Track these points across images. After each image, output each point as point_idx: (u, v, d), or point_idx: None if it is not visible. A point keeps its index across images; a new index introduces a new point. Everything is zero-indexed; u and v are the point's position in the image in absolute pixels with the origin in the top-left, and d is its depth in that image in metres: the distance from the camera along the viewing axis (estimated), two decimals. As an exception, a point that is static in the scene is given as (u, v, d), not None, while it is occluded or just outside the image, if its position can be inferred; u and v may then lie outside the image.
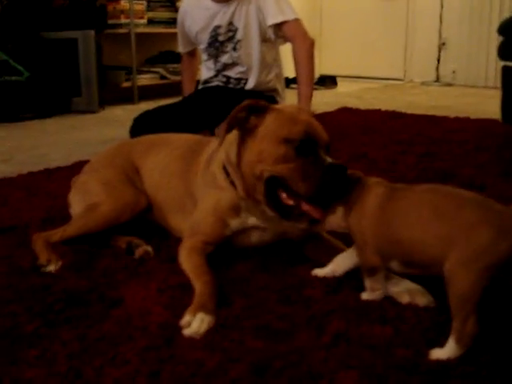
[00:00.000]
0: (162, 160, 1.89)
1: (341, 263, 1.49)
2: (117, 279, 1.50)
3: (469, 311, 1.12)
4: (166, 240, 1.78)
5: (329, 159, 1.45)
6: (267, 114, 1.52)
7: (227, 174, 1.61)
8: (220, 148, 1.64)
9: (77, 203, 1.87)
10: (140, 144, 2.04)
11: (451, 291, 1.14)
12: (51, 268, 1.57)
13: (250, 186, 1.54)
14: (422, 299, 1.35)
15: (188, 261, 1.53)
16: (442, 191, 1.28)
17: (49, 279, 1.51)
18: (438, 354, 1.14)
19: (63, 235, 1.74)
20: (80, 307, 1.36)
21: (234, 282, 1.49)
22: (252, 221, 1.61)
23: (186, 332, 1.24)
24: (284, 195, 1.48)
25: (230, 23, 3.24)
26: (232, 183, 1.59)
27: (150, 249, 1.69)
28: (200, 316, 1.27)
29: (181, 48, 3.59)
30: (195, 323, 1.26)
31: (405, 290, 1.37)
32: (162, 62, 5.67)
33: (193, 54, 3.62)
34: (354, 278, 1.47)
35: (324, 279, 1.47)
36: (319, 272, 1.50)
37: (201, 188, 1.70)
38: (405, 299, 1.35)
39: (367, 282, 1.37)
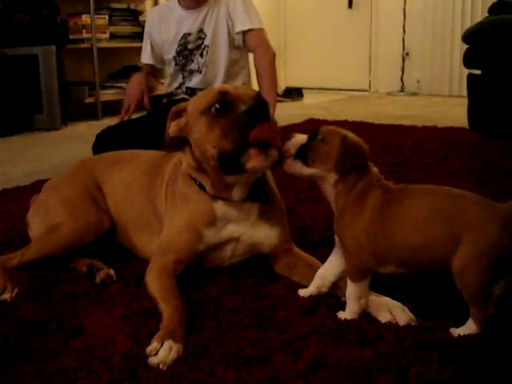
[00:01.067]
0: (126, 177, 1.81)
1: (326, 276, 1.41)
2: (77, 306, 1.40)
3: (486, 298, 1.20)
4: (130, 262, 1.69)
5: (243, 107, 1.37)
6: (187, 106, 1.52)
7: (194, 180, 1.54)
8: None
9: (36, 224, 1.77)
10: (103, 161, 1.94)
11: (465, 286, 1.20)
12: (6, 296, 1.47)
13: (211, 174, 1.48)
14: (403, 317, 1.28)
15: (156, 282, 1.43)
16: (440, 192, 1.28)
17: (4, 308, 1.41)
18: (458, 331, 1.22)
19: (22, 259, 1.63)
20: (37, 338, 1.26)
21: (203, 304, 1.40)
22: (227, 230, 1.53)
23: (153, 361, 1.15)
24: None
25: (200, 30, 3.18)
26: (201, 187, 1.52)
27: (112, 272, 1.59)
28: (168, 344, 1.18)
29: (145, 58, 3.39)
30: (163, 351, 1.17)
31: (384, 308, 1.30)
32: (126, 76, 5.53)
33: (153, 72, 3.48)
34: (330, 297, 1.40)
35: (298, 299, 1.39)
36: (304, 292, 1.42)
37: (168, 203, 1.61)
38: (384, 317, 1.28)
39: (354, 289, 1.30)
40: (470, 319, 1.21)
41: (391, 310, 1.29)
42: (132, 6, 5.72)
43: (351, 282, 1.30)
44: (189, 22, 3.16)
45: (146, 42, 3.37)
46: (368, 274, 1.30)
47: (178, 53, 3.22)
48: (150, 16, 3.39)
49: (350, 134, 1.35)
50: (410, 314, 1.29)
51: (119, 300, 1.42)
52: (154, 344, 1.18)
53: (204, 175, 1.51)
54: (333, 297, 1.40)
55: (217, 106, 1.40)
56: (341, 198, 1.32)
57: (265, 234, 1.56)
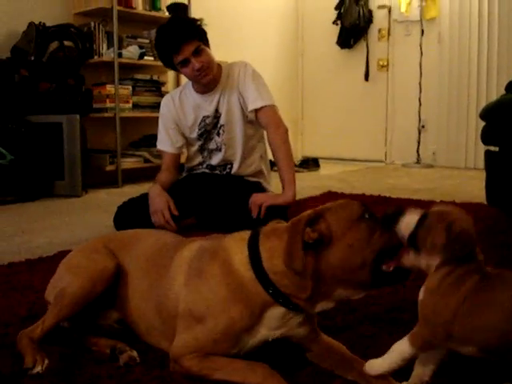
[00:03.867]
0: (130, 264, 1.72)
1: (427, 362, 1.35)
2: (103, 389, 1.40)
3: None
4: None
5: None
6: (325, 216, 1.39)
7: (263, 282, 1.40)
8: (240, 255, 1.44)
9: (51, 297, 1.75)
10: (117, 240, 1.85)
11: None
12: (38, 369, 1.45)
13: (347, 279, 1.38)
14: None
15: (211, 362, 1.38)
16: None
17: (30, 388, 1.41)
18: None
19: (44, 328, 1.60)
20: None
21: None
22: (263, 335, 1.43)
23: None
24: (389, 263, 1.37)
25: (216, 110, 3.26)
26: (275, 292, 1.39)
27: (135, 354, 1.56)
28: None
29: (166, 146, 3.38)
30: None
31: None
32: (146, 145, 5.67)
33: (178, 156, 3.46)
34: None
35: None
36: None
37: (196, 299, 1.45)
38: None
39: (407, 350, 1.28)
40: None
41: None
42: (154, 77, 5.88)
43: (410, 344, 1.29)
44: (205, 105, 3.25)
45: (165, 129, 3.36)
46: (427, 348, 1.29)
47: (200, 136, 3.30)
48: (167, 103, 3.38)
49: (458, 221, 1.29)
50: None
51: (145, 384, 1.41)
52: None
53: (309, 285, 1.38)
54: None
55: (368, 213, 1.39)
56: (437, 276, 1.29)
57: (296, 332, 1.48)
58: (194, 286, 1.47)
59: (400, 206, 1.39)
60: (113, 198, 4.13)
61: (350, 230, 1.37)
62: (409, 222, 1.32)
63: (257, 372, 1.32)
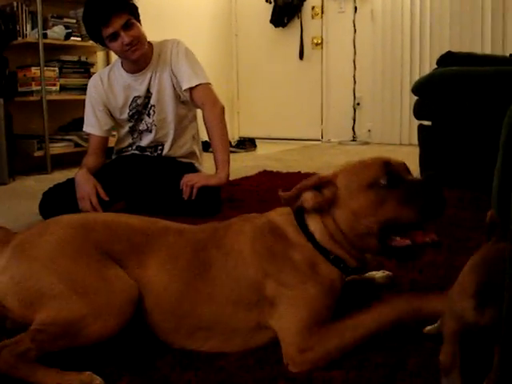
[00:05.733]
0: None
1: None
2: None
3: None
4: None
5: (416, 178, 1.41)
6: (336, 178, 1.43)
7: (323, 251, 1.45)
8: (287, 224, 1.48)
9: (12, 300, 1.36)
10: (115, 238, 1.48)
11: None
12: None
13: (356, 245, 1.44)
14: None
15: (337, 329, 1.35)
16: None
17: None
18: None
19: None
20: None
21: (153, 380, 1.31)
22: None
23: None
24: (398, 238, 1.38)
25: (148, 90, 3.14)
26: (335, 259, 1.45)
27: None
28: None
29: (95, 129, 3.22)
30: None
31: None
32: (76, 129, 5.43)
33: (106, 139, 3.29)
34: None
35: (255, 372, 1.31)
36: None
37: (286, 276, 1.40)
38: None
39: None
40: None
41: None
42: (83, 58, 5.67)
43: None
44: (136, 85, 3.12)
45: (93, 111, 3.21)
46: None
47: (130, 117, 3.18)
48: (94, 83, 3.22)
49: None
50: None
51: None
52: None
53: (339, 245, 1.45)
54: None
55: (385, 178, 1.37)
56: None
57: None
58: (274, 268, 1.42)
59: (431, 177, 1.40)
60: (42, 184, 3.96)
61: (357, 196, 1.38)
62: None
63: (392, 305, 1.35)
